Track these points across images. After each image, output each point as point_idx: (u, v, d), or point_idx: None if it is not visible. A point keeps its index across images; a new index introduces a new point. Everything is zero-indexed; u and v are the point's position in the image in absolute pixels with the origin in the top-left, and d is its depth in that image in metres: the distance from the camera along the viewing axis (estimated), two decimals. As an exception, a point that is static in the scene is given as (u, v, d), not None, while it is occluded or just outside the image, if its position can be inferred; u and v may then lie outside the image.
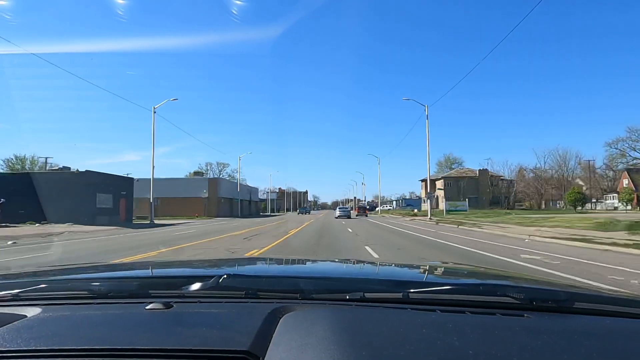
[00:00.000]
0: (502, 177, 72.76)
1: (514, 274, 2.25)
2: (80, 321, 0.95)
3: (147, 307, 0.99)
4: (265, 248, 11.89)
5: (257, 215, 69.63)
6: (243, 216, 63.57)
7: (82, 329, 0.91)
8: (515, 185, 70.79)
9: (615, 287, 3.49)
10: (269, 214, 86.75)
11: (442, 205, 76.67)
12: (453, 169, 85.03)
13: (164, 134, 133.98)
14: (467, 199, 52.05)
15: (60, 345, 0.81)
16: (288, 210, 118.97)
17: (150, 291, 1.13)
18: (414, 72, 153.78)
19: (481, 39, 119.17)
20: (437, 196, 78.92)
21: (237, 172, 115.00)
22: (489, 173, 72.55)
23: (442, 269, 1.98)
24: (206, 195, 59.80)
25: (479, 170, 74.00)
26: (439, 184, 78.33)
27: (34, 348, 0.79)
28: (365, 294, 1.05)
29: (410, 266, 2.11)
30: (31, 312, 0.99)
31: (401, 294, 1.05)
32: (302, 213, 73.41)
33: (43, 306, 1.03)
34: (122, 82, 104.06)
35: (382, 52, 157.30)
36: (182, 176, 70.69)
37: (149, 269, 1.81)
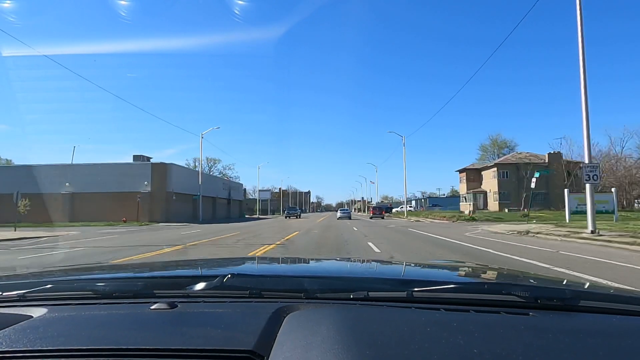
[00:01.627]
0: (581, 165, 50.89)
1: (519, 272, 2.08)
2: (85, 321, 0.97)
3: (152, 307, 1.00)
4: None
5: (238, 219, 49.28)
6: (212, 221, 43.13)
7: (88, 329, 0.92)
8: (604, 176, 49.10)
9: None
10: (257, 216, 66.54)
11: (494, 205, 55.62)
12: (503, 154, 63.69)
13: (166, 135, 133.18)
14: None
15: (66, 345, 0.81)
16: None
17: (154, 291, 1.14)
18: (417, 75, 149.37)
19: (481, 45, 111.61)
20: (488, 191, 57.64)
21: (230, 168, 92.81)
22: (564, 159, 51.05)
23: (447, 268, 1.95)
24: (148, 189, 39.59)
25: (549, 154, 52.18)
26: (488, 174, 56.51)
27: (39, 348, 0.80)
28: (369, 293, 1.06)
29: (415, 265, 2.11)
30: (37, 312, 1.00)
31: (405, 292, 1.05)
32: (289, 216, 52.15)
33: (49, 306, 1.04)
34: (125, 83, 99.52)
35: (384, 55, 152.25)
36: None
37: (153, 269, 1.83)
